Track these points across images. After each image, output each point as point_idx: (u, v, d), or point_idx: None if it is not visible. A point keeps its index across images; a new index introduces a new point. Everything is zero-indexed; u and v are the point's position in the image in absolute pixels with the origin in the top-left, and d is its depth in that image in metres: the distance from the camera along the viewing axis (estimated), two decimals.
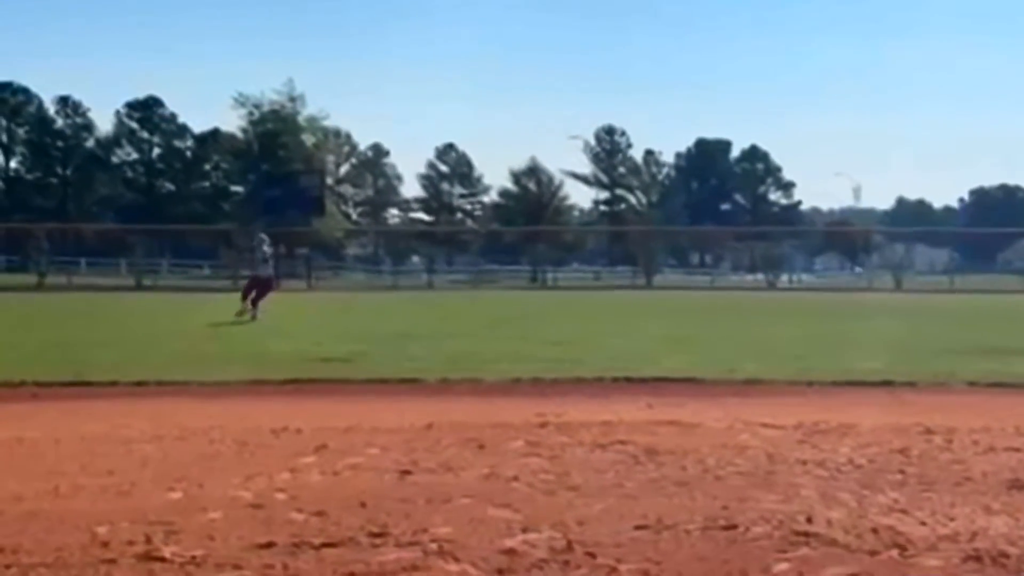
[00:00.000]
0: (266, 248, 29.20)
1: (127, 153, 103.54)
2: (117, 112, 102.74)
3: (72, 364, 15.15)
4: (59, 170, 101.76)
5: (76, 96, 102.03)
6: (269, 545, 5.62)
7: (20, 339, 21.30)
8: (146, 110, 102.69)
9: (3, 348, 18.87)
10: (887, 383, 13.68)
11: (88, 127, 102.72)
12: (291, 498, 6.75)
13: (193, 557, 5.41)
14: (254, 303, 27.58)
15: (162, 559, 5.39)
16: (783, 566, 5.35)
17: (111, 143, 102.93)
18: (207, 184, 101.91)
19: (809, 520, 6.19)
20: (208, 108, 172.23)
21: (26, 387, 13.05)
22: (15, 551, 5.46)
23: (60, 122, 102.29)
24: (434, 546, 5.62)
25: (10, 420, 10.40)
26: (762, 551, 5.60)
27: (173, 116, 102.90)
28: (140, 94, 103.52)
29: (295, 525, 6.06)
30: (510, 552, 5.53)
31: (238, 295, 29.13)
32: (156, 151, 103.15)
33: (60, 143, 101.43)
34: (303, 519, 6.20)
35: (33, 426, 9.87)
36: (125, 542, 5.68)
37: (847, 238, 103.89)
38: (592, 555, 5.49)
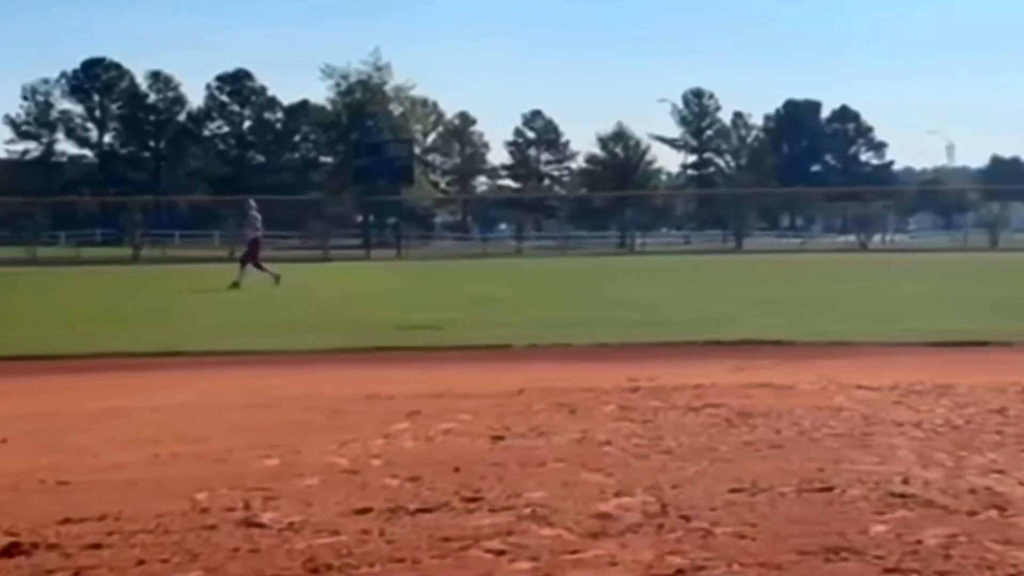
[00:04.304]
0: (254, 214, 31.49)
1: (218, 126, 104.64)
2: (208, 86, 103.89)
3: (166, 335, 15.36)
4: (152, 144, 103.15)
5: (167, 71, 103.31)
6: (365, 510, 5.64)
7: (117, 310, 21.67)
8: (236, 83, 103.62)
9: (100, 319, 19.21)
10: (983, 343, 13.47)
11: (180, 101, 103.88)
12: (386, 464, 6.78)
13: (291, 523, 5.45)
14: (244, 265, 29.49)
15: (261, 525, 5.43)
16: (881, 528, 5.26)
17: (202, 116, 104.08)
18: (296, 155, 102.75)
19: (906, 481, 6.09)
20: (296, 80, 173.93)
21: (120, 358, 13.26)
22: (117, 518, 5.54)
23: (152, 97, 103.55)
24: (528, 510, 5.60)
25: (106, 390, 10.59)
26: (859, 513, 5.53)
27: (263, 88, 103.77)
28: (230, 67, 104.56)
29: (390, 490, 6.09)
30: (604, 516, 5.50)
31: (330, 264, 29.60)
32: (247, 123, 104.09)
33: (152, 117, 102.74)
34: (398, 484, 6.22)
35: (129, 395, 10.04)
36: (225, 508, 5.74)
37: (941, 197, 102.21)
38: (687, 518, 5.44)
